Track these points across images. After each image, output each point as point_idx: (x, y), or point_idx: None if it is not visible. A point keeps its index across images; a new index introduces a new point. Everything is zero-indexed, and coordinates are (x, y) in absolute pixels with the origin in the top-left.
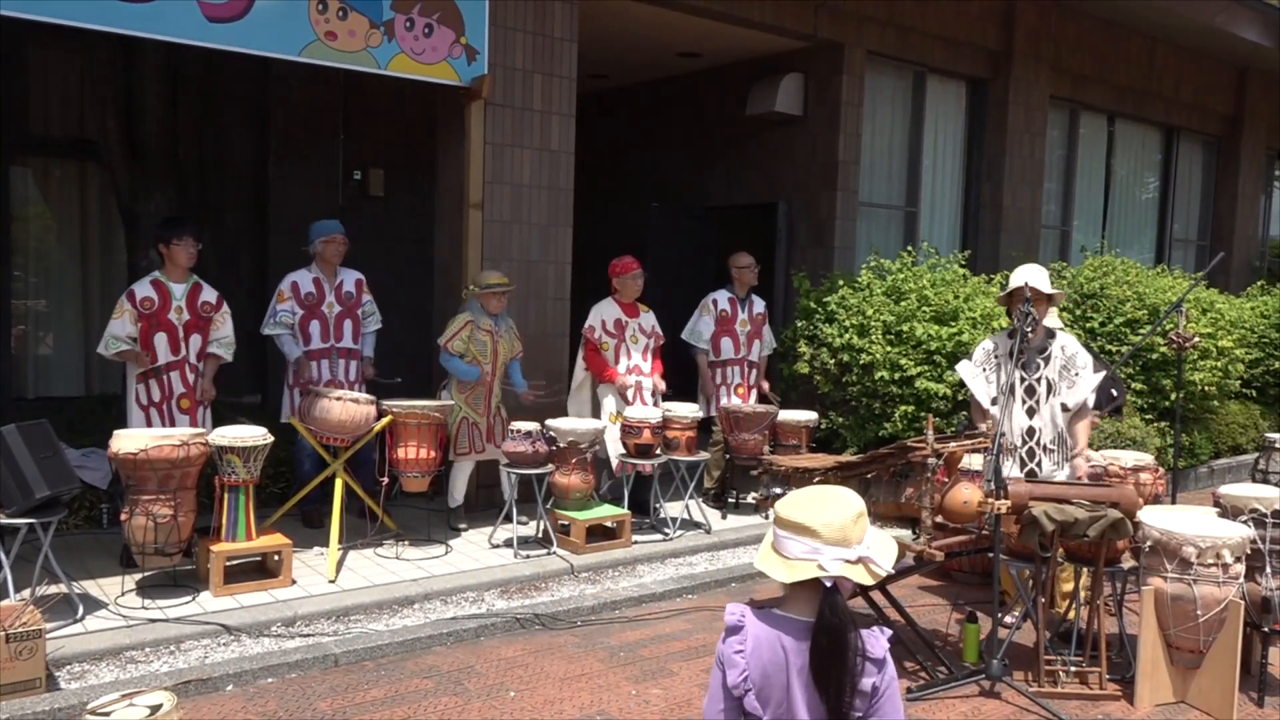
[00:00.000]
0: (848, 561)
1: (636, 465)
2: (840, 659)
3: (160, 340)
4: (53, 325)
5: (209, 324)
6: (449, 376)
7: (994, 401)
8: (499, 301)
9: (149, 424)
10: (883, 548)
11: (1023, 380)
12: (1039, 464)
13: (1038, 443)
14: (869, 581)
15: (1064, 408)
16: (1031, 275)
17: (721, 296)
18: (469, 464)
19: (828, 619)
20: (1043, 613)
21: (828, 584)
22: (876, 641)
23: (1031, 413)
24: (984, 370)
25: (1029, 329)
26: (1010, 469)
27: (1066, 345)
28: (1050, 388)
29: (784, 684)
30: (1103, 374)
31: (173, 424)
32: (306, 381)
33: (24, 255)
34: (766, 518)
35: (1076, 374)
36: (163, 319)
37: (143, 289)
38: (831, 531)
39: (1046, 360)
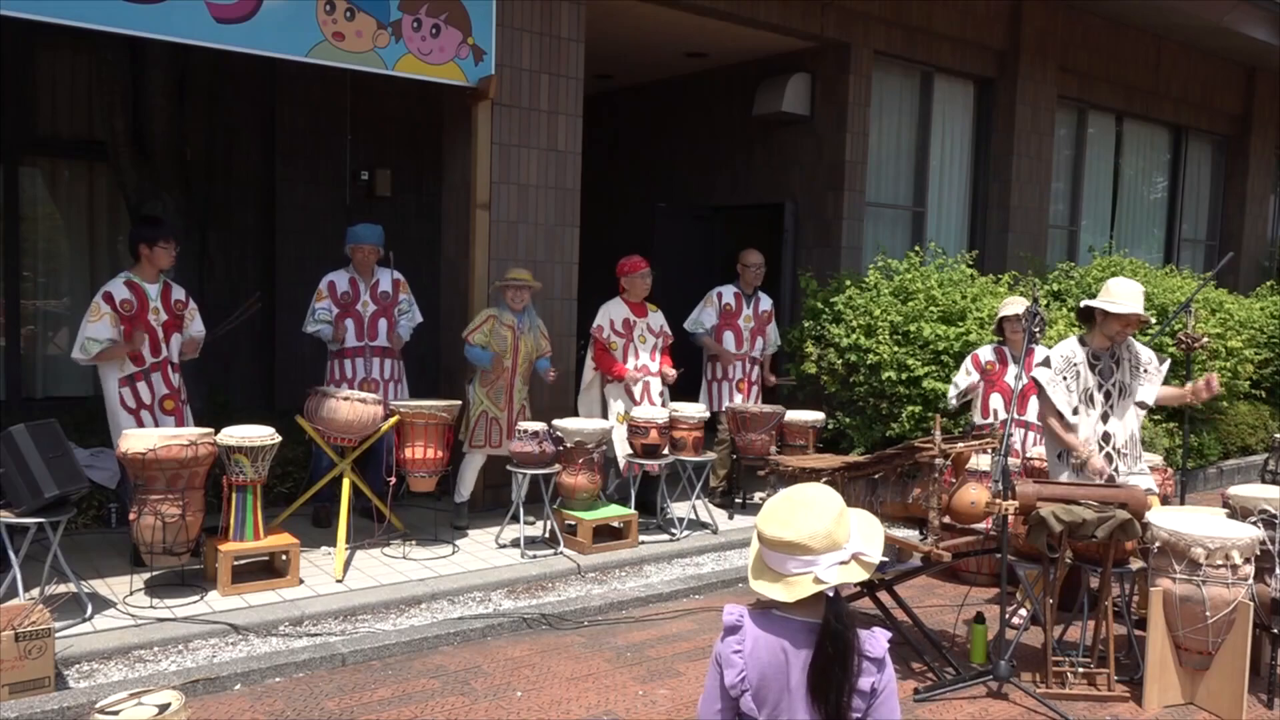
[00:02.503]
0: (841, 564)
1: (643, 465)
2: (844, 665)
3: (144, 343)
4: (61, 326)
5: (182, 322)
6: (475, 371)
7: (1075, 411)
8: (516, 296)
9: (139, 425)
10: (869, 534)
11: (1100, 386)
12: (1116, 469)
13: (1114, 448)
14: (864, 576)
15: (1142, 405)
16: (1138, 304)
17: (727, 291)
18: (480, 458)
19: (834, 626)
20: (1050, 614)
21: (830, 593)
22: (876, 642)
23: (1106, 418)
24: (1064, 378)
25: (1037, 329)
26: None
27: (1130, 343)
28: (1123, 390)
29: (783, 685)
30: (1168, 362)
31: (157, 426)
32: (346, 376)
33: (32, 256)
34: None
35: (1144, 369)
36: (143, 320)
37: (120, 291)
38: (820, 541)
39: (1118, 364)
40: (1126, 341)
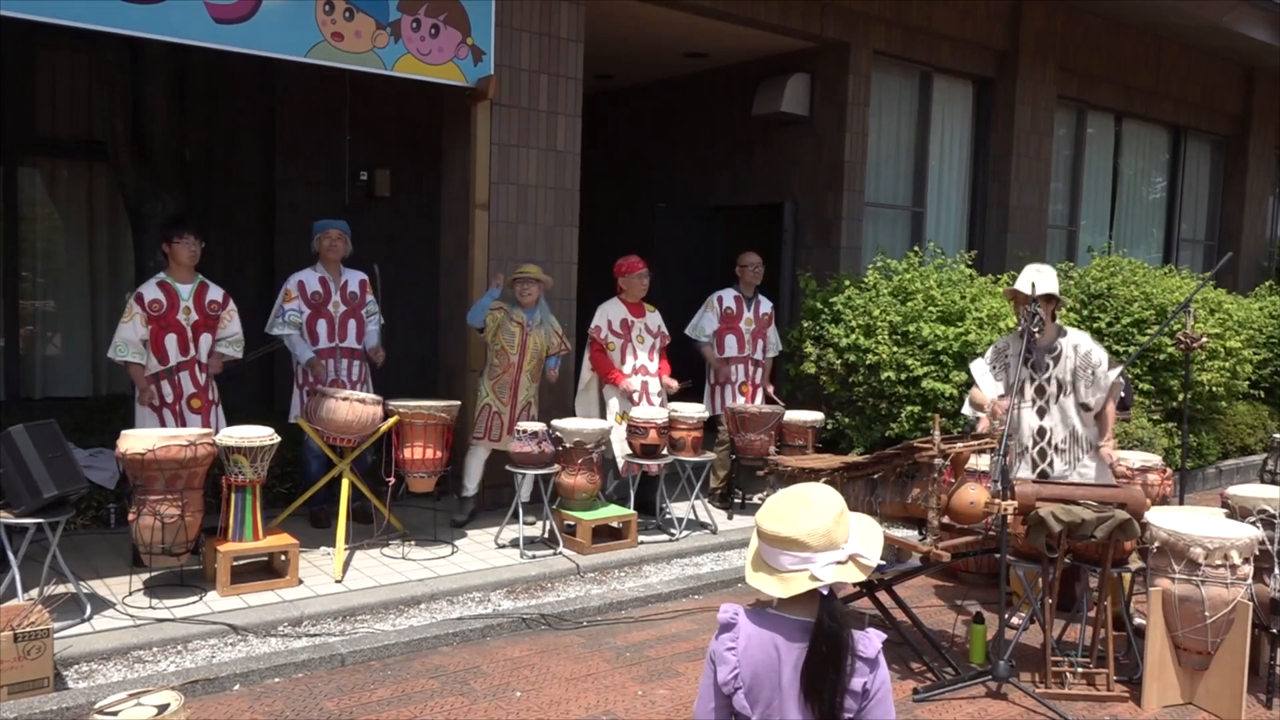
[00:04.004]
0: (838, 563)
1: (642, 465)
2: (837, 664)
3: (170, 341)
4: (60, 326)
5: (217, 322)
6: (484, 363)
7: (1001, 398)
8: (524, 289)
9: (161, 424)
10: (868, 537)
11: (1032, 380)
12: (1050, 464)
13: (1049, 443)
14: (861, 577)
15: (1085, 407)
16: (1036, 277)
17: (727, 294)
18: (483, 451)
19: (827, 625)
20: (1049, 614)
21: (824, 591)
22: (869, 642)
23: (1042, 413)
24: (993, 368)
25: (1036, 329)
26: (1021, 470)
27: (1080, 344)
28: (1061, 387)
29: (775, 684)
30: (1120, 369)
31: (184, 424)
32: (319, 382)
33: (31, 256)
34: None
35: (1093, 372)
36: (172, 320)
37: (150, 291)
38: (818, 539)
39: (1056, 360)
40: (1075, 340)
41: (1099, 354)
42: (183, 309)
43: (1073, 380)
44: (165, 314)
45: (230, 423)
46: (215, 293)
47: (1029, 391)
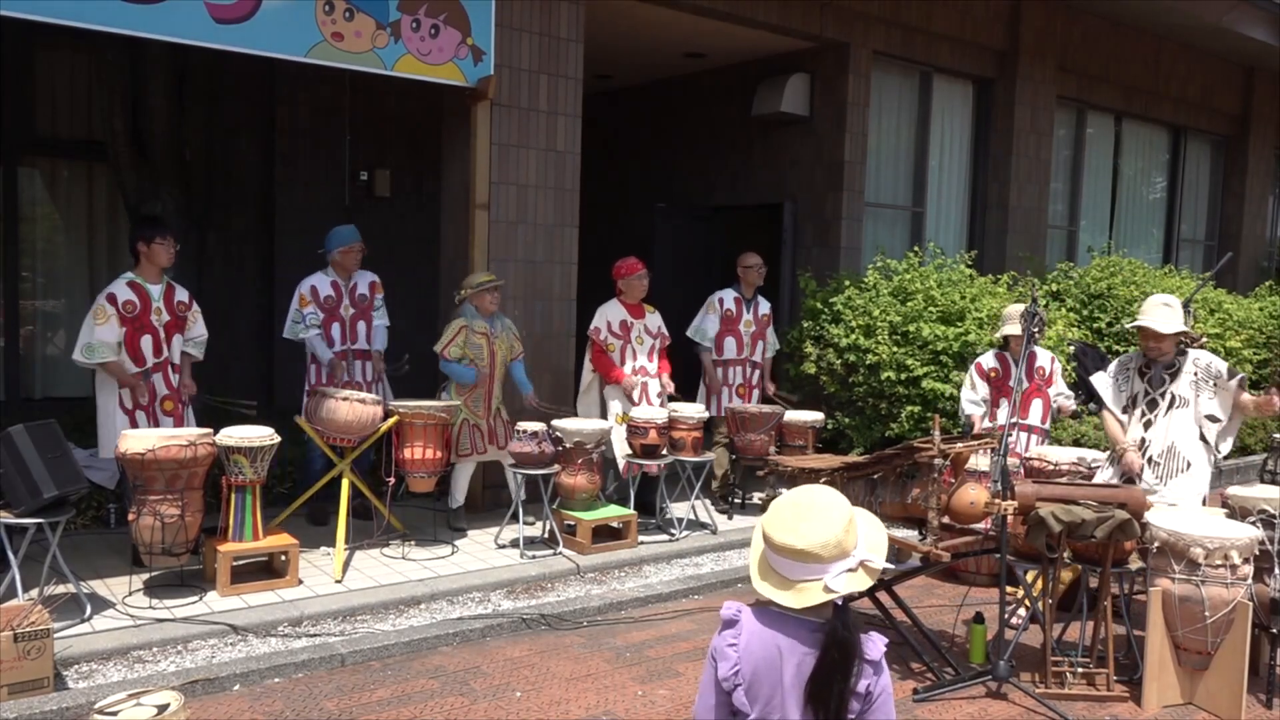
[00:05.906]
0: (850, 571)
1: (642, 466)
2: (846, 671)
3: (146, 343)
4: (60, 326)
5: (184, 323)
6: (447, 379)
7: (1125, 410)
8: (491, 299)
9: (134, 426)
10: (873, 539)
11: (1145, 394)
12: (1139, 473)
13: (1144, 455)
14: (870, 583)
15: (1212, 419)
16: (1156, 318)
17: (727, 295)
18: (470, 465)
19: (841, 634)
20: (1049, 614)
21: (839, 601)
22: (873, 645)
23: (1148, 425)
24: (1116, 380)
25: (1036, 329)
26: (1109, 477)
27: (1200, 357)
28: (1174, 401)
29: (776, 681)
30: (1240, 376)
31: (156, 426)
32: (333, 383)
33: (32, 256)
34: None
35: (1214, 383)
36: (145, 321)
37: (123, 292)
38: (831, 550)
39: (1174, 375)
40: (1195, 355)
41: (1219, 364)
42: (155, 310)
43: (1195, 394)
44: (139, 315)
45: (229, 423)
46: (181, 293)
47: (1141, 403)
